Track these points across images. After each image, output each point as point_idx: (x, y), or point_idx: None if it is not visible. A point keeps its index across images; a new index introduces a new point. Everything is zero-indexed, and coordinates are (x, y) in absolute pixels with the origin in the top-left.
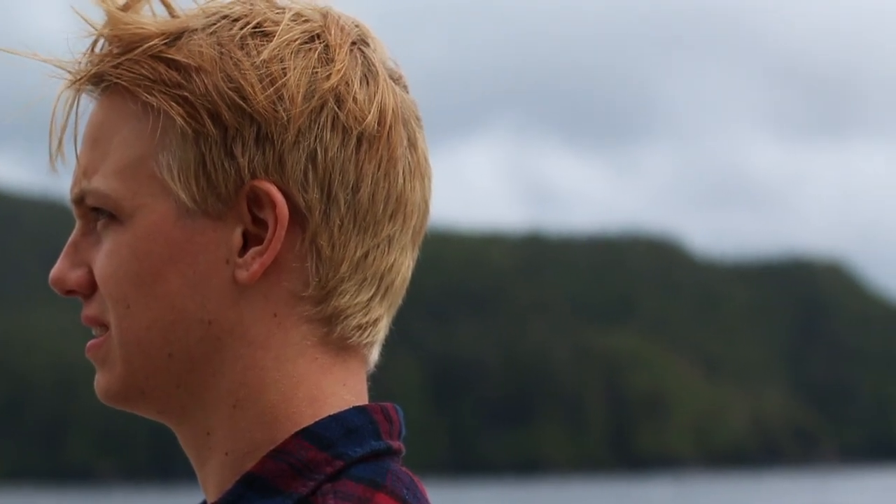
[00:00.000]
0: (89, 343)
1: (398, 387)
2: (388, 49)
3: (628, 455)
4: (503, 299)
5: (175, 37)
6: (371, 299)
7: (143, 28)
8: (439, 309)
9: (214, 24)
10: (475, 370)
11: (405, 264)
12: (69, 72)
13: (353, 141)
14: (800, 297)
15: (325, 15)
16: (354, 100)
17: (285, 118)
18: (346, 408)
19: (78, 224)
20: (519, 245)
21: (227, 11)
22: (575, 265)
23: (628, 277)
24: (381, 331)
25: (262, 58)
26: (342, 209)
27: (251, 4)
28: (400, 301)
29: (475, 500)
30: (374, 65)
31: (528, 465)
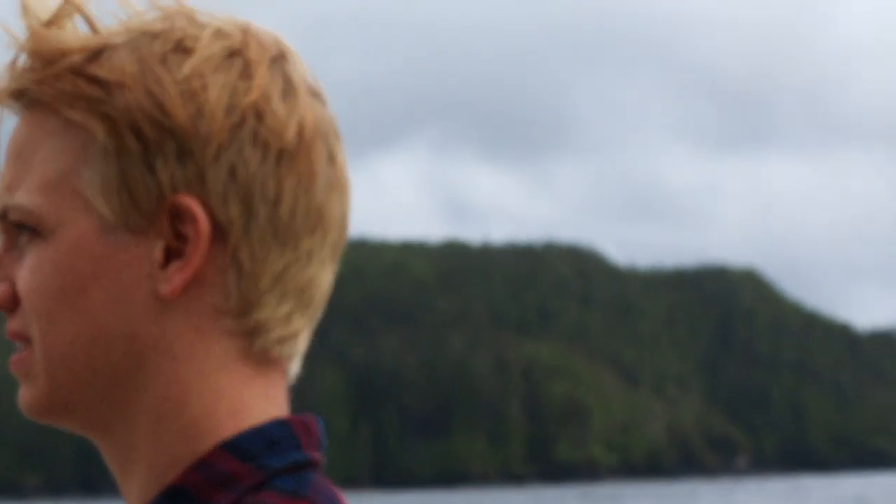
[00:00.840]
0: (13, 357)
1: (321, 397)
2: (308, 64)
3: (548, 464)
4: (424, 310)
5: (97, 53)
6: (291, 312)
7: (64, 44)
8: (361, 320)
9: (136, 40)
10: (397, 381)
11: (325, 278)
12: None
13: (273, 156)
14: (715, 307)
15: (245, 31)
16: (274, 115)
17: (206, 134)
18: (267, 420)
19: (1, 239)
20: (439, 256)
21: (148, 28)
22: (494, 276)
23: (547, 288)
24: (302, 343)
25: (182, 74)
26: (262, 223)
27: (172, 21)
28: (320, 314)
29: None
30: (293, 80)
31: (449, 475)
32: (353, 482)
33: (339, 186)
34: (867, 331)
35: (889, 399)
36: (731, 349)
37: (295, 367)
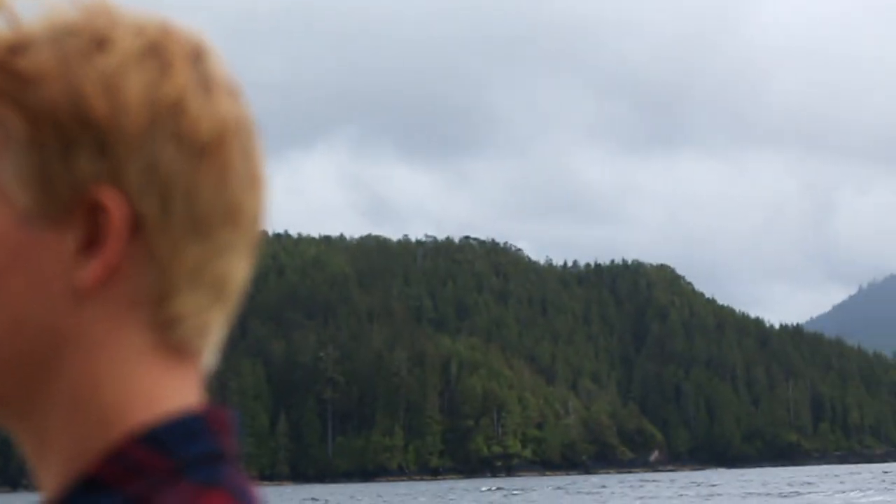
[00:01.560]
0: None
1: (241, 392)
2: (230, 63)
3: (464, 457)
4: (342, 306)
5: (17, 47)
6: (207, 304)
7: None
8: (280, 315)
9: (57, 35)
10: (315, 376)
11: (241, 271)
12: None
13: (191, 151)
14: (630, 304)
15: (165, 28)
16: (192, 111)
17: (124, 128)
18: (182, 411)
19: None
20: (358, 252)
21: (69, 23)
22: (412, 272)
23: (464, 284)
24: (217, 335)
25: (102, 69)
26: (179, 217)
27: (93, 17)
28: (236, 306)
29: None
30: (212, 77)
31: (367, 469)
32: (272, 476)
33: (255, 182)
34: (778, 327)
35: (799, 394)
36: (646, 345)
37: (211, 359)
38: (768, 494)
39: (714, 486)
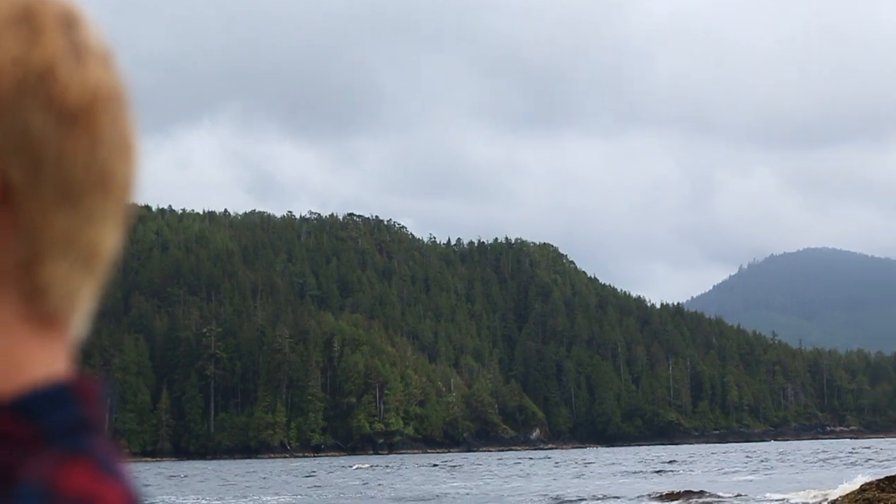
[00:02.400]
0: None
1: (124, 368)
2: (104, 30)
3: (346, 434)
4: (226, 282)
5: None
6: (76, 273)
7: None
8: (164, 291)
9: None
10: (198, 352)
11: (110, 238)
12: None
13: (61, 118)
14: (513, 282)
15: None
16: (63, 77)
17: None
18: (48, 379)
19: None
20: (242, 228)
21: None
22: (296, 249)
23: (348, 261)
24: (87, 302)
25: None
26: (48, 184)
27: None
28: (106, 274)
29: (194, 478)
30: (84, 44)
31: (249, 445)
32: (154, 452)
33: (126, 150)
34: (659, 306)
35: (679, 373)
36: (528, 323)
37: (81, 328)
38: (638, 472)
39: (589, 463)
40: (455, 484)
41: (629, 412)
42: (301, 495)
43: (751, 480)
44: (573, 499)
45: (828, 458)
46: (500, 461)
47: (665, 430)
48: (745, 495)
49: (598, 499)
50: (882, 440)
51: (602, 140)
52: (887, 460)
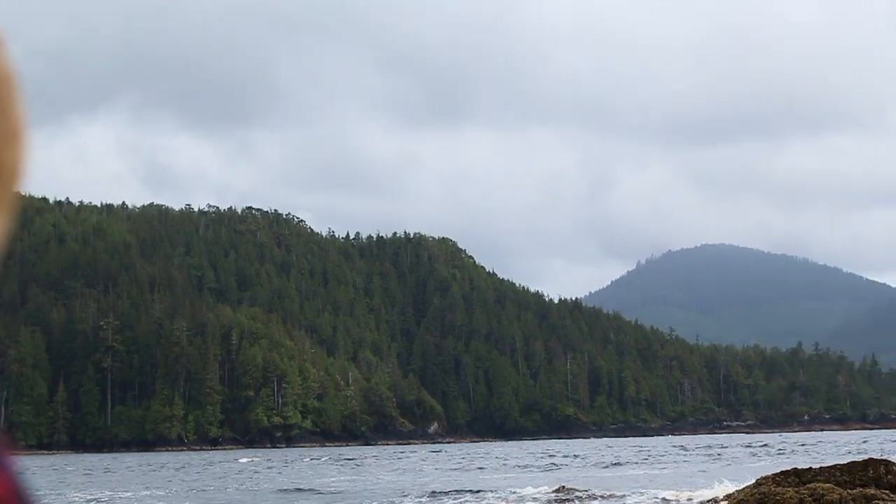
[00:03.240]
0: None
1: (20, 360)
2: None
3: (244, 428)
4: (124, 274)
5: None
6: None
7: None
8: (60, 283)
9: None
10: (96, 345)
11: None
12: None
13: None
14: (411, 276)
15: None
16: None
17: None
18: None
19: None
20: (140, 221)
21: None
22: (194, 242)
23: (246, 254)
24: None
25: None
26: None
27: None
28: None
29: (92, 470)
30: None
31: (146, 438)
32: (51, 445)
33: (13, 136)
34: (557, 301)
35: (577, 367)
36: (426, 318)
37: None
38: (527, 466)
39: (479, 457)
40: (340, 478)
41: (527, 407)
42: (169, 489)
43: (636, 475)
44: (450, 492)
45: (718, 454)
46: (394, 455)
47: (563, 424)
48: (614, 494)
49: (474, 492)
50: (777, 435)
51: (501, 135)
52: (782, 454)
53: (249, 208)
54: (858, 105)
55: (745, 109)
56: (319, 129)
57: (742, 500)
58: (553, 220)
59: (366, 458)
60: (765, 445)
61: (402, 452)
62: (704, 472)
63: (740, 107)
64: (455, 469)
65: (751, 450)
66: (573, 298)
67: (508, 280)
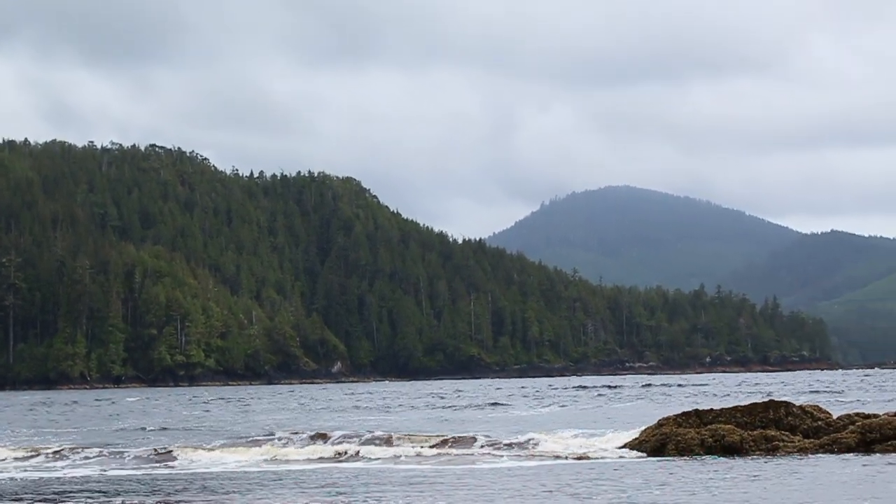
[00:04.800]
0: None
1: None
2: None
3: (147, 366)
4: (26, 211)
5: None
6: None
7: None
8: None
9: None
10: None
11: None
12: None
13: None
14: (315, 215)
15: None
16: None
17: None
18: None
19: None
20: (42, 158)
21: None
22: (97, 180)
23: (149, 192)
24: None
25: None
26: None
27: None
28: None
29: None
30: None
31: (49, 376)
32: None
33: None
34: (461, 242)
35: (481, 308)
36: (330, 257)
37: None
38: (427, 407)
39: (375, 395)
40: (217, 414)
41: (431, 347)
42: (39, 427)
43: (538, 415)
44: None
45: (618, 395)
46: (288, 394)
47: (466, 364)
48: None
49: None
50: (679, 376)
51: (405, 75)
52: (684, 395)
53: (153, 146)
54: (759, 49)
55: (647, 52)
56: (223, 65)
57: (644, 440)
58: (458, 160)
59: (255, 397)
60: (664, 385)
61: (298, 391)
62: (605, 413)
63: (643, 49)
64: (347, 408)
65: (653, 391)
66: (477, 239)
67: (413, 220)
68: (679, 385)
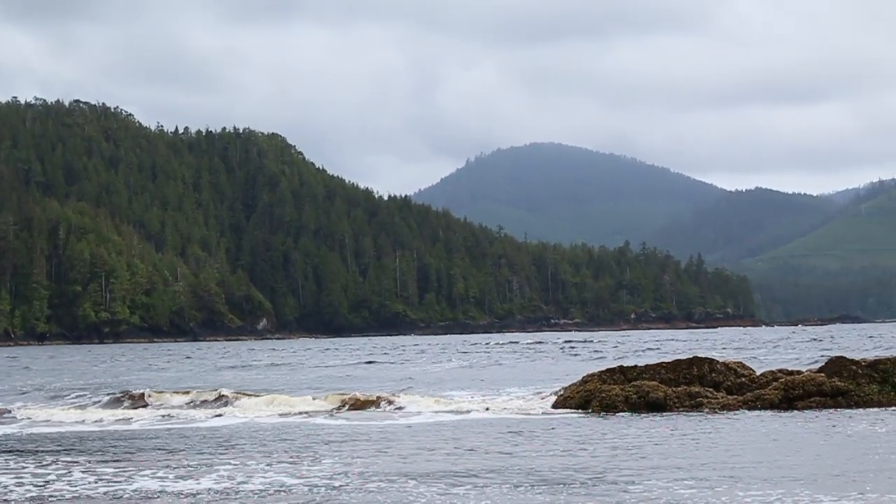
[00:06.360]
0: None
1: None
2: None
3: (72, 323)
4: None
5: None
6: None
7: None
8: None
9: None
10: None
11: None
12: None
13: None
14: (241, 171)
15: None
16: None
17: None
18: None
19: None
20: None
21: None
22: (20, 135)
23: (73, 148)
24: None
25: None
26: None
27: None
28: None
29: None
30: None
31: None
32: None
33: None
34: (387, 198)
35: (406, 265)
36: (256, 213)
37: None
38: (345, 364)
39: (297, 352)
40: (135, 376)
41: (356, 303)
42: None
43: (453, 369)
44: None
45: (542, 351)
46: (207, 350)
47: (392, 321)
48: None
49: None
50: (604, 333)
51: (330, 31)
52: (608, 351)
53: (77, 101)
54: (684, 6)
55: (572, 9)
56: (147, 20)
57: (568, 397)
58: (383, 117)
59: (169, 353)
60: (586, 342)
61: (221, 347)
62: (533, 370)
63: (568, 6)
64: (263, 366)
65: (579, 347)
66: (402, 195)
67: (338, 176)
68: (603, 341)
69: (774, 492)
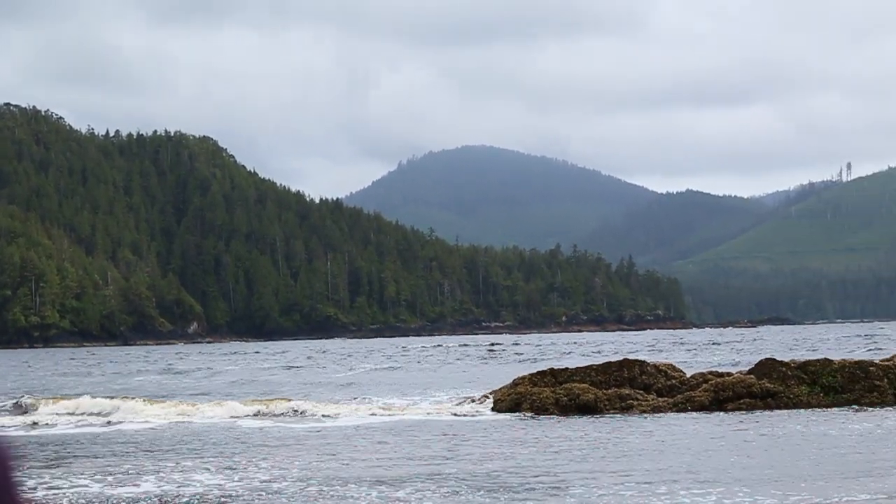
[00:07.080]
0: None
1: None
2: None
3: (2, 327)
4: None
5: None
6: None
7: None
8: None
9: None
10: None
11: None
12: None
13: None
14: (172, 174)
15: None
16: None
17: None
18: None
19: None
20: None
21: None
22: None
23: (3, 152)
24: None
25: None
26: None
27: None
28: None
29: None
30: None
31: None
32: None
33: None
34: (318, 201)
35: (337, 268)
36: (187, 217)
37: None
38: (268, 370)
39: (229, 357)
40: (66, 380)
41: (287, 307)
42: None
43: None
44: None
45: (469, 355)
46: (132, 355)
47: (323, 324)
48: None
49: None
50: (535, 335)
51: (257, 33)
52: (539, 355)
53: (7, 104)
54: (610, 9)
55: (499, 11)
56: (74, 22)
57: (499, 400)
58: (313, 119)
59: (95, 357)
60: (514, 345)
61: (149, 352)
62: (462, 374)
63: (494, 9)
64: (179, 371)
65: (509, 350)
66: (334, 199)
67: (269, 179)
68: (534, 344)
69: (714, 491)
